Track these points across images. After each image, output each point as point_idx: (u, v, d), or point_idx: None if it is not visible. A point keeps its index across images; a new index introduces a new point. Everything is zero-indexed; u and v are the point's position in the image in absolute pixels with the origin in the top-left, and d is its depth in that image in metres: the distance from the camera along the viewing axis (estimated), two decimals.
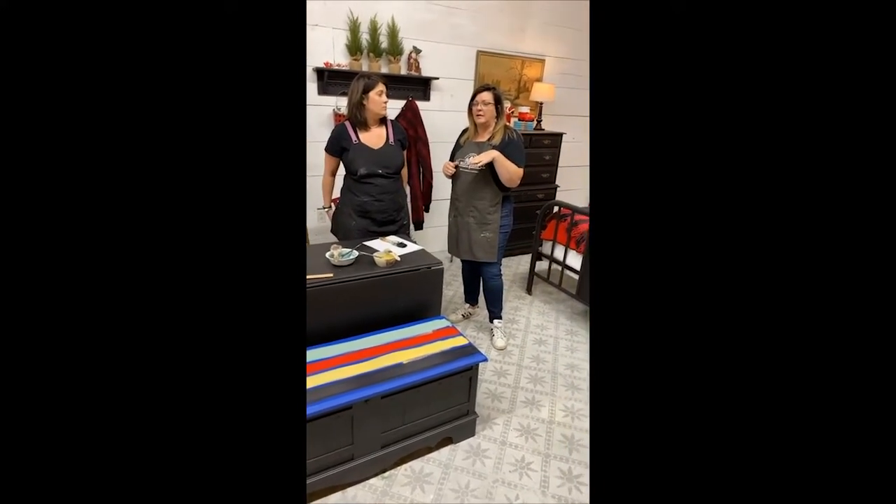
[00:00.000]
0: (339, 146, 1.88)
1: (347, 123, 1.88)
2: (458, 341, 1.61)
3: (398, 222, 2.05)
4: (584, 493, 1.46)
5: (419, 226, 3.19)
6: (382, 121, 1.94)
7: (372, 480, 1.46)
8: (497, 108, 2.00)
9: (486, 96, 1.98)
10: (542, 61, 3.53)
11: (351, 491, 1.42)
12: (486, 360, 1.58)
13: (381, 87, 1.82)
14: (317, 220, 2.93)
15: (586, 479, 1.52)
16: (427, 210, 3.21)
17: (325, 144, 1.94)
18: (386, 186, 1.93)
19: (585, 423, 1.78)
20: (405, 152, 2.04)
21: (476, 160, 1.92)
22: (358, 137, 1.87)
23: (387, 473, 1.49)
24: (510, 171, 1.95)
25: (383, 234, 2.00)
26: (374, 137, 1.90)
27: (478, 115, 2.00)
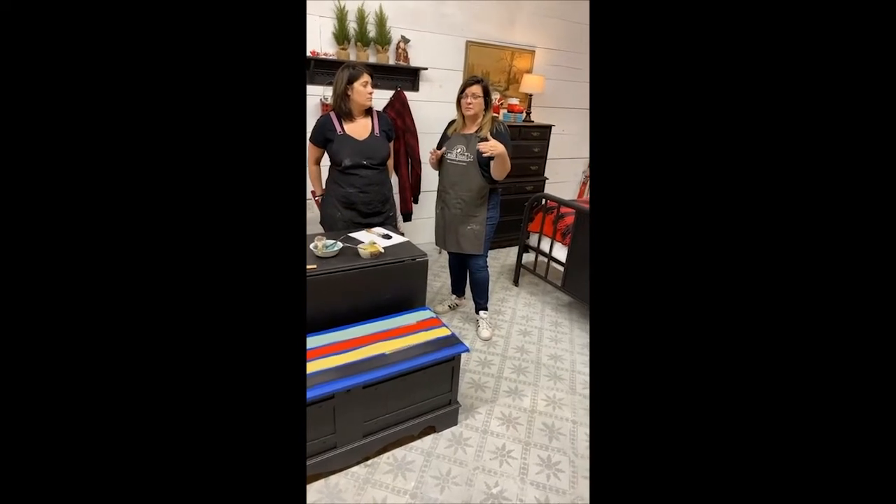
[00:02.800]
0: (322, 136, 1.87)
1: (332, 114, 1.87)
2: (441, 332, 1.63)
3: (384, 214, 2.06)
4: (563, 480, 1.50)
5: (407, 217, 3.19)
6: (368, 112, 1.93)
7: (355, 468, 1.48)
8: (485, 101, 2.01)
9: (476, 89, 1.97)
10: (532, 52, 3.52)
11: (334, 478, 1.44)
12: (468, 350, 1.60)
13: (366, 77, 1.80)
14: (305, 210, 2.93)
15: (565, 466, 1.56)
16: (416, 201, 3.21)
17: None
18: (371, 178, 1.93)
19: (566, 412, 1.82)
20: (392, 143, 2.03)
21: (488, 149, 1.79)
22: (343, 128, 1.86)
23: (369, 461, 1.51)
24: (506, 167, 1.95)
25: (369, 226, 2.00)
26: (360, 128, 1.89)
27: (467, 108, 2.00)
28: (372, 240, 1.82)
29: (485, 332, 2.31)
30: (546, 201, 2.67)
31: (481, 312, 2.36)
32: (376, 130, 1.93)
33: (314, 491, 1.39)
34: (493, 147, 1.80)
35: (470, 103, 1.98)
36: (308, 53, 2.59)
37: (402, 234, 1.97)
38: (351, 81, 1.79)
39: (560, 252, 2.58)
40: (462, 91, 2.00)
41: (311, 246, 1.68)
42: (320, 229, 2.08)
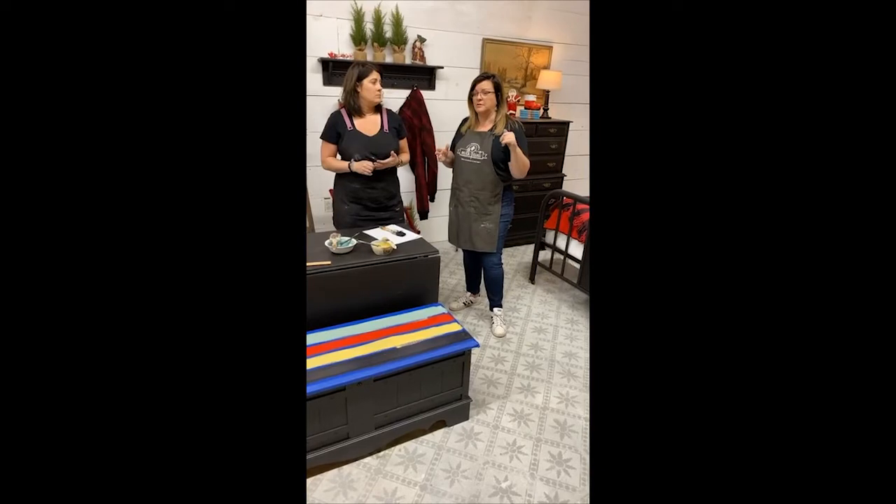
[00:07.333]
0: (335, 132, 1.92)
1: (343, 111, 1.92)
2: (452, 327, 1.65)
3: (391, 209, 2.09)
4: (573, 477, 1.50)
5: (424, 215, 3.22)
6: (378, 109, 1.97)
7: (366, 459, 1.52)
8: (497, 96, 2.01)
9: (486, 85, 1.98)
10: (550, 48, 3.49)
11: (346, 468, 1.48)
12: (477, 345, 1.62)
13: (374, 74, 1.84)
14: (323, 209, 3.00)
15: (575, 463, 1.55)
16: (432, 199, 3.24)
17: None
18: (378, 174, 1.96)
19: (579, 410, 1.81)
20: (403, 141, 2.06)
21: (507, 139, 1.87)
22: (353, 124, 1.91)
23: (381, 453, 1.54)
24: (523, 163, 1.98)
25: (376, 220, 2.04)
26: (369, 125, 1.93)
27: (478, 104, 2.01)
28: (385, 237, 1.85)
29: (499, 329, 2.31)
30: (563, 198, 2.65)
31: (496, 309, 2.37)
32: (385, 127, 1.96)
33: (327, 480, 1.43)
34: (506, 136, 1.88)
35: (481, 99, 1.98)
36: (326, 55, 2.65)
37: (418, 232, 2.00)
38: (360, 78, 1.84)
39: (576, 249, 2.55)
40: (473, 88, 2.01)
41: (326, 242, 1.72)
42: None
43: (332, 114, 1.96)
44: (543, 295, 2.79)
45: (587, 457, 1.58)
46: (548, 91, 3.43)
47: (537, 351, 2.20)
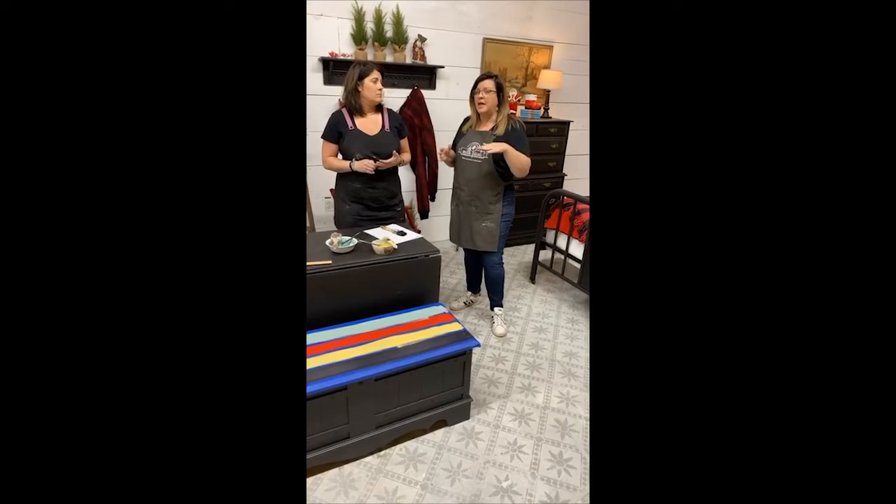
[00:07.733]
0: (336, 132, 1.92)
1: (344, 110, 1.92)
2: (453, 327, 1.65)
3: (392, 209, 2.09)
4: (574, 476, 1.50)
5: (424, 214, 3.22)
6: (379, 108, 1.97)
7: (367, 458, 1.52)
8: (499, 96, 2.00)
9: (488, 84, 1.98)
10: (550, 48, 3.49)
11: (347, 468, 1.48)
12: (478, 345, 1.62)
13: (375, 73, 1.84)
14: (324, 208, 3.00)
15: (576, 462, 1.55)
16: (433, 199, 3.24)
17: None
18: (380, 173, 1.96)
19: (579, 409, 1.81)
20: (404, 140, 2.06)
21: (487, 147, 1.87)
22: (354, 124, 1.91)
23: (382, 452, 1.55)
24: (521, 162, 1.96)
25: (377, 220, 2.04)
26: (370, 124, 1.94)
27: (479, 104, 2.01)
28: (386, 236, 1.85)
29: (499, 329, 2.31)
30: (563, 197, 2.65)
31: (496, 309, 2.37)
32: (386, 126, 1.97)
33: (328, 479, 1.44)
34: (490, 146, 1.87)
35: (482, 98, 1.98)
36: (326, 54, 2.65)
37: (419, 231, 2.00)
38: (361, 78, 1.84)
39: (577, 249, 2.55)
40: (474, 87, 2.01)
41: (328, 242, 1.73)
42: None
43: (333, 113, 1.96)
44: (544, 294, 2.79)
45: (588, 456, 1.58)
46: (548, 91, 3.43)
47: (538, 350, 2.20)
